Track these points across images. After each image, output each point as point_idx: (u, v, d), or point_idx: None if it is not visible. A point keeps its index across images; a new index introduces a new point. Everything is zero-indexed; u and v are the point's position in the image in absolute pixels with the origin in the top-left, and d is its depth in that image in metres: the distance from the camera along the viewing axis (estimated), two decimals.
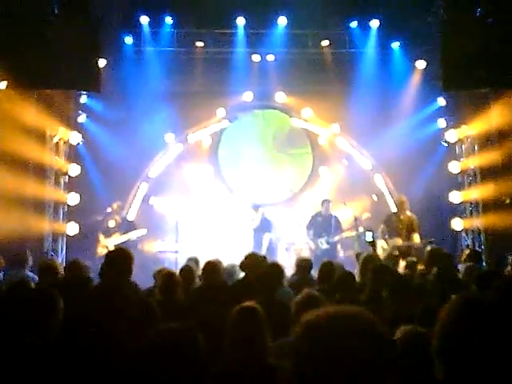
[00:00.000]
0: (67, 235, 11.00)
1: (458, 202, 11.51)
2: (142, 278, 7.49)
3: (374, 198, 12.05)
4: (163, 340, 2.04)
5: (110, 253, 4.04)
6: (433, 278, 5.13)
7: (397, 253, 8.81)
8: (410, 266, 6.52)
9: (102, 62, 10.73)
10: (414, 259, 6.93)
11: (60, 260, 10.72)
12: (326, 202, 10.77)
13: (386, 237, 9.29)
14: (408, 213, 9.43)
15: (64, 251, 11.04)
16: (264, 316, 3.06)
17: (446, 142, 11.78)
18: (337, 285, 4.88)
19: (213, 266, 5.44)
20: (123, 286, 3.82)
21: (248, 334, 2.95)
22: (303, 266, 6.28)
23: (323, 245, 10.46)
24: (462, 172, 11.62)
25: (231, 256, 10.00)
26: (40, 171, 10.65)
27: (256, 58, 11.94)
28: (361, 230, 10.62)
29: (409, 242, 9.09)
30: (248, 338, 2.93)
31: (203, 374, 2.02)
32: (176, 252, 10.62)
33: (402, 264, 6.99)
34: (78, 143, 11.33)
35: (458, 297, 1.87)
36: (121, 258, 3.95)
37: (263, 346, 2.95)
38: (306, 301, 3.39)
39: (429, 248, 6.16)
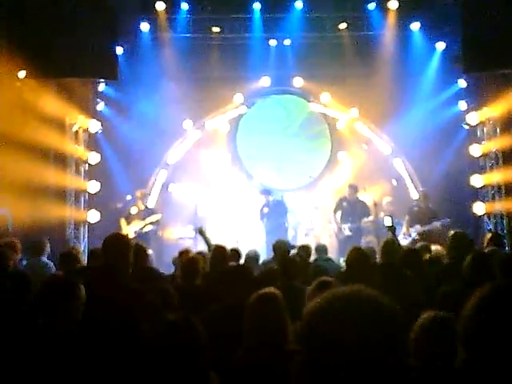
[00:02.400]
0: (89, 223, 11.12)
1: (479, 186, 11.36)
2: (163, 264, 7.60)
3: (394, 182, 11.94)
4: (163, 331, 2.05)
5: (105, 240, 3.99)
6: (453, 261, 5.08)
7: (418, 237, 9.01)
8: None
9: (119, 50, 10.75)
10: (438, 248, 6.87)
11: (82, 247, 10.87)
12: (350, 187, 10.62)
13: (409, 227, 9.90)
14: (430, 205, 9.94)
15: (86, 239, 11.16)
16: (283, 302, 3.05)
17: (466, 124, 11.59)
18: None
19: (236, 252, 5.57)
20: (121, 273, 3.79)
21: (268, 319, 2.94)
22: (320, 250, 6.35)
23: (346, 231, 10.39)
24: (484, 155, 11.44)
25: (249, 242, 10.07)
26: (60, 160, 10.76)
27: (273, 42, 11.84)
28: (381, 215, 10.58)
29: (428, 226, 9.51)
30: (267, 324, 2.93)
31: (204, 364, 2.02)
32: (195, 238, 10.66)
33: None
34: (97, 131, 11.40)
35: (490, 284, 1.83)
36: (116, 245, 3.91)
37: (283, 332, 2.95)
38: (319, 287, 3.37)
39: (452, 232, 6.07)
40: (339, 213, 10.56)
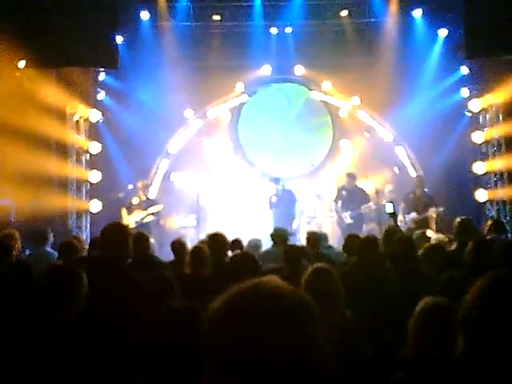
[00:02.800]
0: (91, 212, 11.14)
1: (481, 173, 11.33)
2: (164, 253, 7.59)
3: (396, 170, 11.92)
4: (165, 319, 2.05)
5: (104, 230, 3.98)
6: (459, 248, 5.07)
7: (414, 225, 9.06)
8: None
9: (119, 39, 10.70)
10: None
11: (84, 237, 10.88)
12: (348, 175, 10.65)
13: (405, 214, 9.88)
14: (425, 189, 9.92)
15: (88, 228, 11.19)
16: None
17: (469, 111, 11.54)
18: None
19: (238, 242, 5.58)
20: (121, 262, 3.80)
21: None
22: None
23: (347, 219, 10.39)
24: (486, 142, 11.41)
25: (252, 231, 10.06)
26: (61, 149, 10.76)
27: (274, 30, 11.77)
28: (383, 202, 10.57)
29: (424, 214, 9.54)
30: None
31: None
32: (197, 227, 10.67)
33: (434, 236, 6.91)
34: (98, 121, 11.38)
35: (491, 273, 1.82)
36: (115, 235, 3.91)
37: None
38: (314, 274, 3.39)
39: (458, 219, 6.05)
40: (340, 202, 10.56)
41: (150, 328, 2.09)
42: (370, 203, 10.40)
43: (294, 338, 1.11)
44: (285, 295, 1.16)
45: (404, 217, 9.87)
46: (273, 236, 6.57)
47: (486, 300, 1.67)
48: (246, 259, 4.09)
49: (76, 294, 2.92)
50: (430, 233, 6.91)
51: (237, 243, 6.01)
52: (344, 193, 10.58)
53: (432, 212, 9.62)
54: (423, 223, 9.33)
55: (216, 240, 5.17)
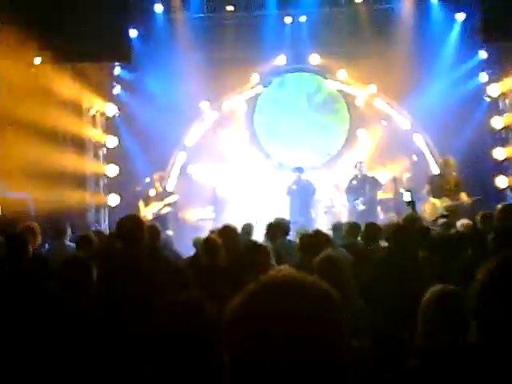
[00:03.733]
0: (109, 206, 11.23)
1: (502, 159, 11.15)
2: (183, 246, 7.62)
3: (414, 158, 11.78)
4: (172, 311, 2.05)
5: (119, 222, 4.01)
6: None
7: (445, 212, 8.77)
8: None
9: (133, 32, 10.72)
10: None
11: (104, 230, 10.98)
12: (358, 163, 10.66)
13: (431, 196, 9.26)
14: (454, 173, 9.41)
15: (107, 222, 11.28)
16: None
17: (488, 96, 11.34)
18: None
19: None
20: (136, 255, 3.82)
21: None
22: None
23: (359, 206, 10.33)
24: (506, 127, 11.22)
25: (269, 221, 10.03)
26: (79, 144, 10.86)
27: (288, 19, 11.69)
28: (401, 191, 10.47)
29: (457, 201, 9.03)
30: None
31: (214, 345, 2.01)
32: (215, 220, 10.69)
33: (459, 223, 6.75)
34: (114, 115, 11.44)
35: (498, 256, 1.78)
36: (130, 227, 3.93)
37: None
38: (324, 262, 3.37)
39: (500, 206, 5.93)
40: (350, 193, 10.52)
41: (160, 318, 2.10)
42: (382, 188, 10.37)
43: (329, 326, 1.09)
44: (312, 285, 1.13)
45: (433, 200, 9.18)
46: (272, 228, 6.37)
47: (496, 283, 1.64)
48: (259, 250, 4.08)
49: (85, 285, 2.95)
50: (463, 221, 6.66)
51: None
52: (354, 182, 10.54)
53: (464, 197, 9.05)
54: (457, 210, 8.79)
55: (227, 231, 5.17)
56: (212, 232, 5.65)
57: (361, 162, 10.68)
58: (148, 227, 4.57)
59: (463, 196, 9.05)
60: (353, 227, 6.15)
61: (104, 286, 3.29)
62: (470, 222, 6.56)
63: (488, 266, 1.69)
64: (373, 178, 10.59)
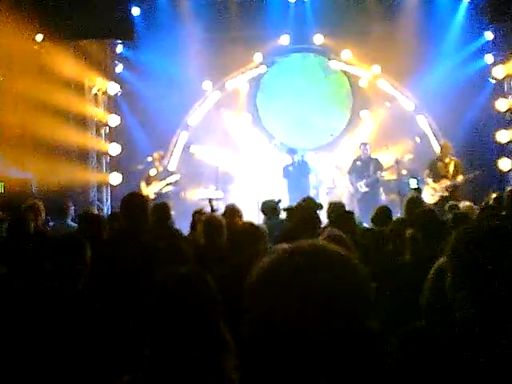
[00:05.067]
0: (111, 185, 11.24)
1: (505, 142, 11.09)
2: (185, 225, 7.62)
3: (417, 139, 11.73)
4: (172, 283, 2.06)
5: (123, 200, 4.06)
6: None
7: (446, 193, 8.83)
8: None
9: (135, 10, 10.63)
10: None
11: (105, 209, 11.03)
12: (363, 144, 10.69)
13: (431, 180, 9.36)
14: (452, 157, 9.48)
15: (109, 201, 11.31)
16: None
17: (493, 78, 11.24)
18: None
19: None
20: (139, 232, 3.85)
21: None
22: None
23: (362, 188, 10.34)
24: (511, 110, 11.13)
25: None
26: (81, 122, 10.84)
27: None
28: (403, 172, 10.46)
29: (455, 181, 9.19)
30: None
31: (214, 318, 2.02)
32: (217, 199, 10.68)
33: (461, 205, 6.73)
34: (117, 93, 11.39)
35: (463, 227, 1.77)
36: (134, 204, 3.97)
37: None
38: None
39: (510, 188, 5.89)
40: (354, 173, 10.52)
41: (159, 291, 2.10)
42: (382, 173, 10.36)
43: (359, 293, 1.09)
44: (339, 255, 1.14)
45: (433, 184, 9.29)
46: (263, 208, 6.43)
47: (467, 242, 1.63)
48: (255, 230, 4.07)
49: (79, 263, 2.97)
50: (466, 203, 6.66)
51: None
52: (358, 163, 10.55)
53: (461, 179, 9.24)
54: (457, 190, 9.13)
55: (230, 211, 5.18)
56: (196, 212, 5.68)
57: (365, 144, 10.69)
58: (158, 205, 4.61)
59: (459, 178, 9.22)
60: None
61: (101, 262, 3.31)
62: (473, 205, 6.55)
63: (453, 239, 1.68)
64: (376, 159, 10.59)
